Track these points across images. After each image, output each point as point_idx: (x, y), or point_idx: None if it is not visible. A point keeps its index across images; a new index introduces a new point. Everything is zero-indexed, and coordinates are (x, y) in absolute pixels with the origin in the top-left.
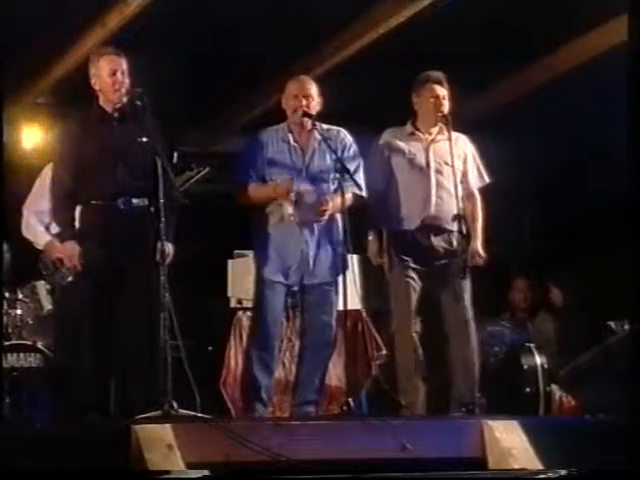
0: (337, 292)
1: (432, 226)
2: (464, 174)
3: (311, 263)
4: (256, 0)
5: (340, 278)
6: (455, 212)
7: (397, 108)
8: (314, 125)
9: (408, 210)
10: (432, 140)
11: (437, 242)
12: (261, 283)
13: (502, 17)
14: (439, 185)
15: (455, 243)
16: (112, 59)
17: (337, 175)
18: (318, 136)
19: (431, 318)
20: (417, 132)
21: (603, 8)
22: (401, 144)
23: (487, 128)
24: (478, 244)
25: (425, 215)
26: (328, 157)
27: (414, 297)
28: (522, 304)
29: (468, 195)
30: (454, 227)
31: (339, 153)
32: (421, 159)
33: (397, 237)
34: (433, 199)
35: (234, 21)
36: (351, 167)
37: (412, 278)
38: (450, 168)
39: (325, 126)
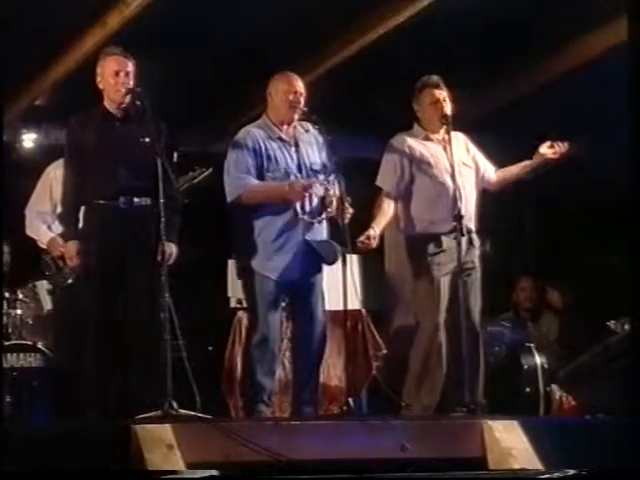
0: (323, 287)
1: (460, 227)
2: (478, 170)
3: (308, 260)
4: (256, 0)
5: (335, 275)
6: (473, 211)
7: (397, 108)
8: (305, 121)
9: (436, 212)
10: (444, 141)
11: (463, 243)
12: (259, 282)
13: (502, 17)
14: (463, 186)
15: (475, 242)
16: (118, 60)
17: (333, 172)
18: (302, 130)
19: (446, 320)
20: (430, 135)
21: (603, 8)
22: (419, 147)
23: (487, 128)
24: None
25: (455, 216)
26: (315, 150)
27: (441, 298)
28: (526, 303)
29: (492, 182)
30: (474, 227)
31: (324, 148)
32: (444, 161)
33: (424, 240)
34: (462, 200)
35: (234, 21)
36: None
37: (439, 279)
38: (466, 168)
39: (301, 122)
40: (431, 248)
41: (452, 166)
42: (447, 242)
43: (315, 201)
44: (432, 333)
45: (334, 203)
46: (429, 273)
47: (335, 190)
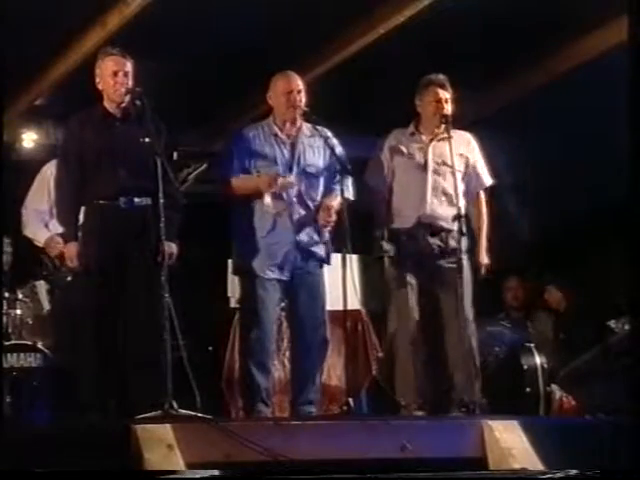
0: (324, 287)
1: (428, 225)
2: (466, 175)
3: (300, 258)
4: (256, 0)
5: (334, 275)
6: (454, 212)
7: (397, 108)
8: (306, 121)
9: (404, 209)
10: (432, 140)
11: (434, 241)
12: (253, 281)
13: (503, 17)
14: (436, 185)
15: (453, 243)
16: (116, 60)
17: (336, 174)
18: (307, 132)
19: (430, 318)
20: (418, 133)
21: (603, 8)
22: (402, 145)
23: (487, 128)
24: (483, 254)
25: (421, 214)
26: (317, 153)
27: (412, 296)
28: (513, 303)
29: (472, 198)
30: (452, 226)
31: (331, 152)
32: (419, 159)
33: (395, 236)
34: (428, 199)
35: (234, 21)
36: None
37: (410, 277)
38: (449, 169)
39: (309, 124)
40: (399, 243)
41: (426, 166)
42: (413, 239)
43: (308, 204)
44: (409, 332)
45: (335, 207)
46: (402, 269)
47: (335, 194)
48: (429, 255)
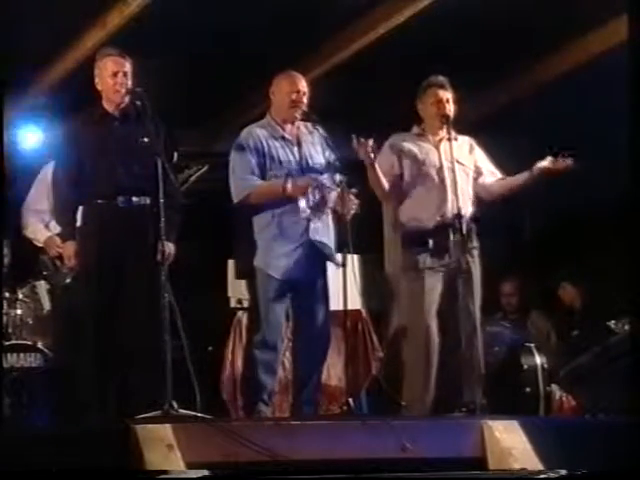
0: (329, 289)
1: (448, 225)
2: (477, 174)
3: (312, 260)
4: (256, 0)
5: (335, 275)
6: (470, 211)
7: (397, 108)
8: (303, 120)
9: (424, 210)
10: (440, 140)
11: (452, 241)
12: (262, 281)
13: (502, 17)
14: (453, 184)
15: (471, 243)
16: (115, 60)
17: (338, 172)
18: (305, 130)
19: (442, 318)
20: (425, 134)
21: (603, 8)
22: (411, 145)
23: (487, 128)
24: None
25: (442, 214)
26: (318, 151)
27: (431, 296)
28: (508, 307)
29: (488, 192)
30: (465, 227)
31: (329, 149)
32: (434, 158)
33: (413, 236)
34: (450, 197)
35: (234, 21)
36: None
37: (429, 278)
38: (461, 167)
39: (305, 122)
40: (420, 246)
41: (442, 165)
42: (436, 240)
43: (318, 200)
44: (422, 332)
45: (334, 197)
46: (417, 271)
47: (337, 187)
48: (446, 255)
